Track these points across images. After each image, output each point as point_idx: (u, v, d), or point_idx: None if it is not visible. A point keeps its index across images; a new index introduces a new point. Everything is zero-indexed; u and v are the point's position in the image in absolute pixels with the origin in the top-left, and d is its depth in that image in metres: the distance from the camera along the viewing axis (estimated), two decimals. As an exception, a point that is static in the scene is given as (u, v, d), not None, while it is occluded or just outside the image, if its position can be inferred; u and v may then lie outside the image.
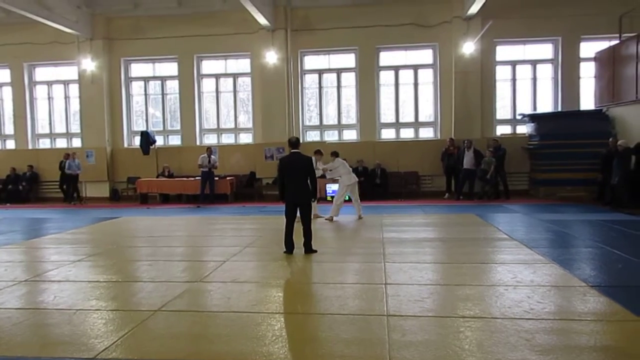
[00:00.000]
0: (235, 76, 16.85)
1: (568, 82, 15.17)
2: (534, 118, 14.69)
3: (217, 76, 16.90)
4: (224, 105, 17.09)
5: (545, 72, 15.58)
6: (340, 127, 16.49)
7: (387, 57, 16.09)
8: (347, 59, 16.22)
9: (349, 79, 16.29)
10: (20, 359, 3.69)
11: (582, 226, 9.58)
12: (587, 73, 15.08)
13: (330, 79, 16.50)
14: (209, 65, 16.91)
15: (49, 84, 17.62)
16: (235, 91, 16.89)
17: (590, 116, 14.19)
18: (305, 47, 16.03)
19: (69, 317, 4.57)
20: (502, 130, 15.74)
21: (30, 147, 17.48)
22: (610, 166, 11.86)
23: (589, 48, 14.95)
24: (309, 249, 7.23)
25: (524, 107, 15.56)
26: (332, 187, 14.62)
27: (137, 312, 4.69)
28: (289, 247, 7.24)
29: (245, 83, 16.84)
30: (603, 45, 14.48)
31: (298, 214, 7.30)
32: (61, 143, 17.63)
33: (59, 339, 4.09)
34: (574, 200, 13.29)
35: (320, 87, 16.47)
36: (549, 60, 15.48)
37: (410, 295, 5.03)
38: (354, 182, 10.98)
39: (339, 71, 16.34)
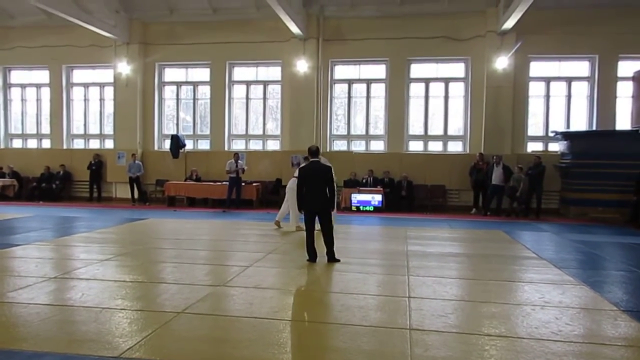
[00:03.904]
0: (265, 83, 17.02)
1: (604, 101, 14.84)
2: (567, 136, 14.38)
3: (247, 83, 17.10)
4: (253, 111, 17.26)
5: (581, 90, 15.28)
6: (367, 137, 16.46)
7: (417, 69, 16.03)
8: (378, 70, 16.23)
9: (379, 90, 16.28)
10: (47, 355, 3.76)
11: (614, 248, 9.31)
12: (625, 92, 14.73)
13: (359, 89, 16.52)
14: (240, 72, 17.14)
15: (86, 86, 18.11)
16: (264, 98, 17.05)
17: (626, 136, 13.83)
18: (336, 56, 16.10)
19: (95, 315, 4.65)
20: (533, 147, 15.46)
21: (65, 147, 17.97)
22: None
23: (627, 67, 14.61)
24: (331, 258, 7.21)
25: (557, 125, 15.26)
26: (357, 197, 14.60)
27: (161, 313, 4.74)
28: (312, 255, 7.23)
29: (275, 90, 16.99)
30: (642, 64, 14.18)
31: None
32: (94, 144, 18.08)
33: (85, 336, 4.16)
34: (606, 222, 12.93)
35: (349, 97, 16.51)
36: (585, 78, 15.18)
37: (434, 310, 4.95)
38: None
39: (368, 82, 16.34)
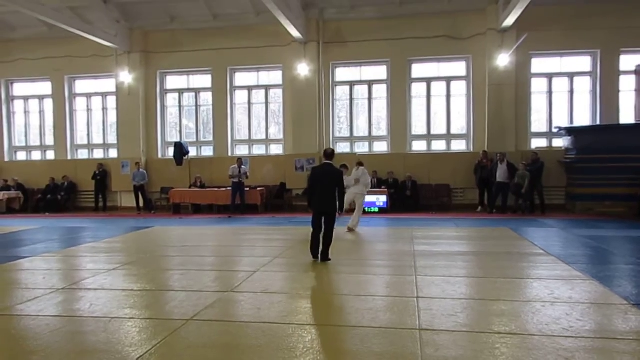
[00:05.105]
0: (267, 88, 17.05)
1: (607, 95, 14.80)
2: (571, 131, 14.33)
3: (249, 88, 17.14)
4: (256, 116, 17.29)
5: (583, 85, 15.24)
6: (370, 138, 16.45)
7: (419, 69, 16.03)
8: (379, 71, 16.24)
9: (380, 91, 16.28)
10: (57, 365, 3.75)
11: (622, 242, 9.25)
12: (627, 86, 14.69)
13: (361, 90, 16.52)
14: (242, 78, 17.18)
15: (88, 96, 18.20)
16: (267, 103, 17.08)
17: (631, 130, 13.78)
18: (336, 59, 16.12)
19: (104, 325, 4.64)
20: (537, 143, 15.43)
21: (69, 157, 18.03)
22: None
23: (630, 61, 14.57)
24: (325, 257, 7.29)
25: (561, 121, 15.23)
26: (366, 199, 14.50)
27: (169, 321, 4.73)
28: (316, 254, 7.35)
29: (276, 95, 17.02)
30: (644, 57, 14.13)
31: None
32: (98, 154, 18.15)
33: (95, 347, 4.15)
34: (613, 216, 12.87)
35: (351, 99, 16.51)
36: (587, 72, 15.14)
37: (443, 310, 4.92)
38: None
39: (370, 83, 16.35)
